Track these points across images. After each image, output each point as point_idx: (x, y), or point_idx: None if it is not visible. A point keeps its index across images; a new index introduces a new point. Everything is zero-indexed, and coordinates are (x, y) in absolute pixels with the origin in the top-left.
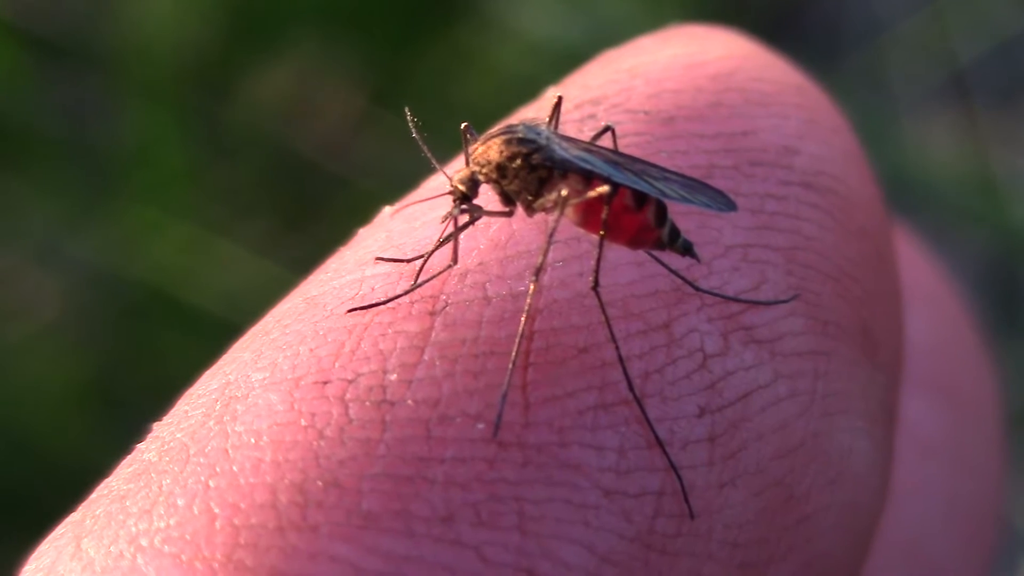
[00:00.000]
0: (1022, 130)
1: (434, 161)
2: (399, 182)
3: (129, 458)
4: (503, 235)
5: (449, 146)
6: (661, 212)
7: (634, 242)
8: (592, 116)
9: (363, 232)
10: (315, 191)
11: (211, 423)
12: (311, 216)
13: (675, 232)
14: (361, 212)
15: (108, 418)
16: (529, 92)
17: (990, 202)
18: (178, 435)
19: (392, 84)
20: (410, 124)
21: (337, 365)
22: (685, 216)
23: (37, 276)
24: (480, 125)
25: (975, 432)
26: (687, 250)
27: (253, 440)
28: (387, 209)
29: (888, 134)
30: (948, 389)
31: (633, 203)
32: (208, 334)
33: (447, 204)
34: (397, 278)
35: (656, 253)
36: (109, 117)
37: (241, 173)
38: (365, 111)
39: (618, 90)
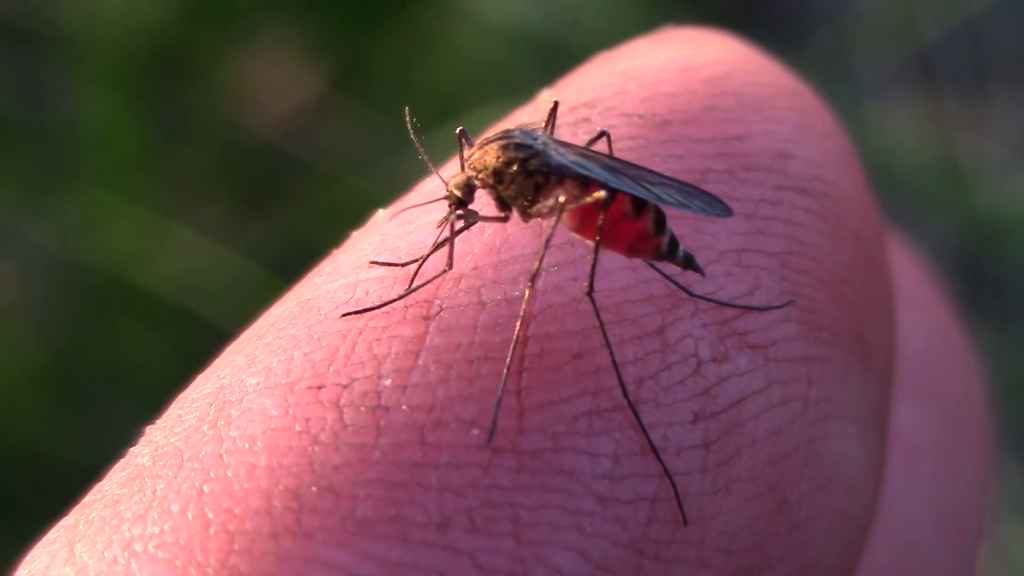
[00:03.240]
0: (988, 114)
1: (430, 165)
2: (359, 166)
3: (122, 462)
4: (498, 239)
5: (407, 130)
6: (660, 220)
7: (632, 250)
8: (586, 119)
9: (357, 235)
10: (274, 175)
11: (205, 427)
12: (270, 201)
13: (674, 242)
14: (320, 197)
15: (65, 403)
16: (489, 75)
17: (955, 188)
18: (172, 439)
19: (352, 67)
20: (408, 126)
21: (331, 370)
22: (680, 221)
23: None
24: (440, 108)
25: (964, 438)
26: (688, 263)
27: (247, 445)
28: (381, 212)
29: (852, 118)
30: (937, 395)
31: (632, 210)
32: (165, 320)
33: (441, 208)
34: (391, 282)
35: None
36: (65, 100)
37: (199, 157)
38: (325, 94)
39: (612, 93)
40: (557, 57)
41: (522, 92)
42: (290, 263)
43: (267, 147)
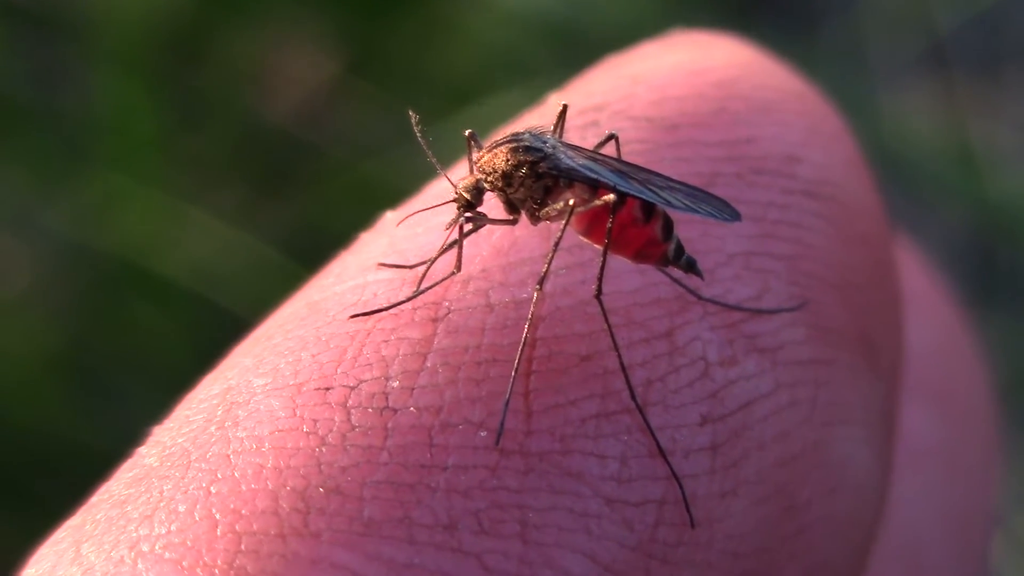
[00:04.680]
0: (1001, 102)
1: (439, 167)
2: (373, 152)
3: (130, 462)
4: (506, 242)
5: (421, 116)
6: (668, 226)
7: (639, 256)
8: (595, 123)
9: (365, 237)
10: (288, 160)
11: (212, 428)
12: (284, 186)
13: (680, 248)
14: (335, 182)
15: (79, 388)
16: (504, 62)
17: (969, 175)
18: (179, 440)
19: (367, 53)
20: (414, 128)
21: (339, 371)
22: (688, 224)
23: (8, 245)
24: (455, 94)
25: (970, 438)
26: (691, 267)
27: (255, 446)
28: (390, 214)
29: (865, 106)
30: (943, 395)
31: (641, 215)
32: (179, 304)
33: (450, 210)
34: (399, 284)
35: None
36: (80, 84)
37: (214, 142)
38: (339, 80)
39: (621, 96)
40: (572, 44)
41: (537, 79)
42: (304, 248)
43: (282, 132)
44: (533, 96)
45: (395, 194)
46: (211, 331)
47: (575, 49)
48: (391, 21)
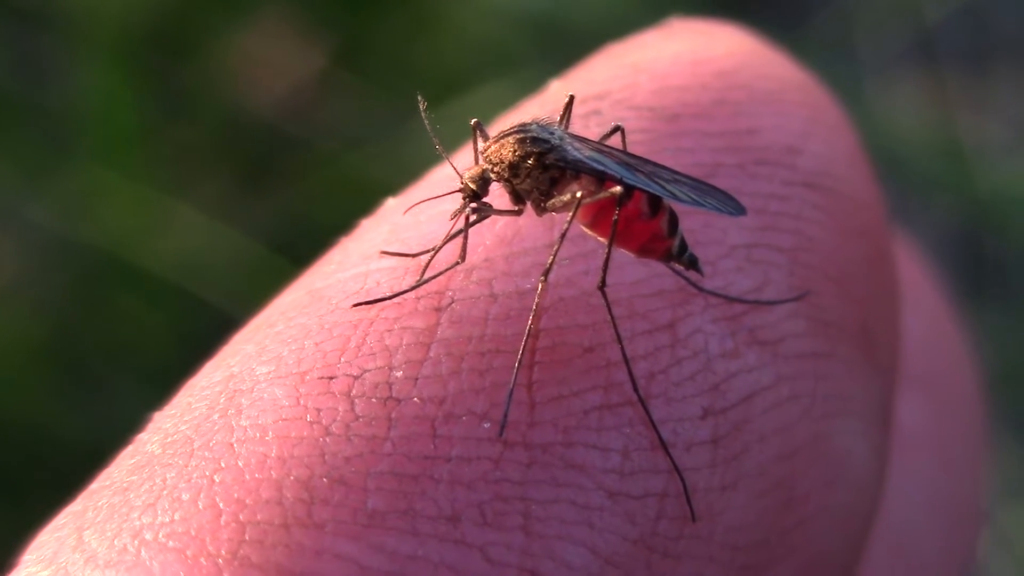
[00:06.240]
0: (990, 94)
1: (445, 156)
2: (358, 144)
3: (131, 449)
4: (509, 231)
5: (406, 109)
6: (673, 222)
7: (643, 250)
8: (597, 112)
9: (366, 223)
10: (273, 153)
11: (216, 416)
12: (269, 179)
13: (683, 244)
14: (320, 175)
15: (63, 381)
16: (489, 54)
17: (957, 168)
18: (182, 427)
19: (352, 45)
20: (422, 114)
21: (343, 360)
22: (690, 215)
23: None
24: (441, 86)
25: (959, 427)
26: (692, 264)
27: (258, 435)
28: (391, 201)
29: (854, 99)
30: (930, 384)
31: (648, 209)
32: (163, 297)
33: (454, 199)
34: (402, 273)
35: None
36: (65, 77)
37: (198, 135)
38: (324, 72)
39: (622, 85)
40: (557, 36)
41: (522, 71)
42: (289, 241)
43: (267, 125)
44: (519, 88)
45: (380, 187)
46: (195, 324)
47: (560, 42)
48: (376, 13)
